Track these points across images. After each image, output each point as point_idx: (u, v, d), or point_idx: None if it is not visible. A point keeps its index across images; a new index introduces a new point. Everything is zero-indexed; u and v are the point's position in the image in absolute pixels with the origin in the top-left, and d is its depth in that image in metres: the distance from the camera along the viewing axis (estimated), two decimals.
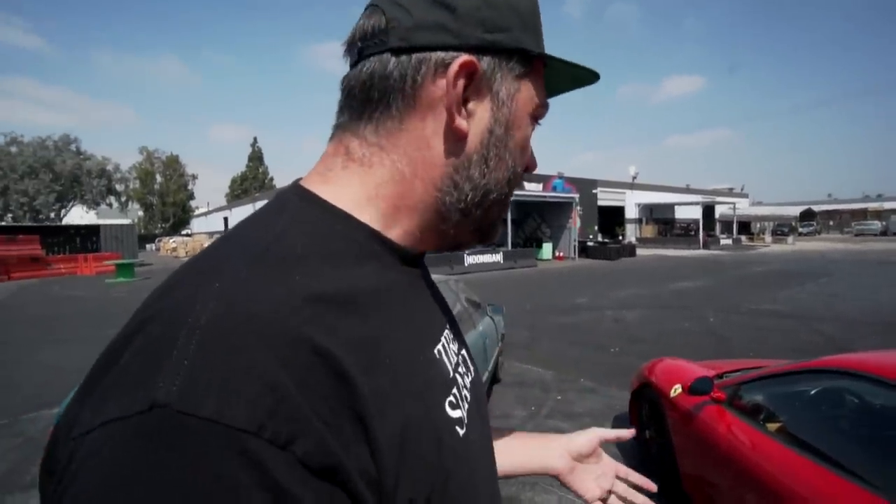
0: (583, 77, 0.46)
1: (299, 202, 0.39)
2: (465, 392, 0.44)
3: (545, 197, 21.20)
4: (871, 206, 52.04)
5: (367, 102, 0.40)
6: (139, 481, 0.23)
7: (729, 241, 29.36)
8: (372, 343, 0.32)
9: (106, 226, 24.93)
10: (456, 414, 0.39)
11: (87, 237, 23.72)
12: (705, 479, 2.32)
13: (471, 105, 0.40)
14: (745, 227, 35.91)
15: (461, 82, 0.38)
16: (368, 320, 0.33)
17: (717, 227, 34.32)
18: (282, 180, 59.95)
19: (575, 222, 21.73)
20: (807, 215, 43.40)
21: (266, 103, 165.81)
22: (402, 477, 0.30)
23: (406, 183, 0.40)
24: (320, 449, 0.26)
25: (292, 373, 0.26)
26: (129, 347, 0.27)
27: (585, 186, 25.10)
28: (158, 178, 58.84)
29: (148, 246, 43.41)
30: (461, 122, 0.39)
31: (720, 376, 2.62)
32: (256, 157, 62.37)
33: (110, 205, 45.11)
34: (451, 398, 0.40)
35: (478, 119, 0.40)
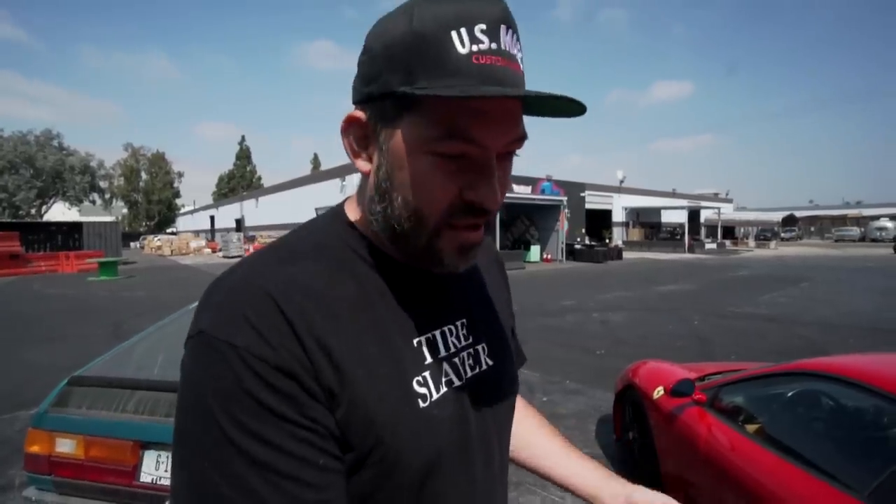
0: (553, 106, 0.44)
1: (332, 215, 0.55)
2: (449, 378, 0.51)
3: (533, 199, 21.32)
4: (851, 212, 53.29)
5: None
6: (196, 371, 0.42)
7: (713, 246, 29.83)
8: (330, 318, 0.45)
9: (89, 223, 24.42)
10: (421, 390, 0.48)
11: (69, 234, 23.23)
12: (686, 480, 2.35)
13: (370, 149, 0.48)
14: (729, 231, 36.51)
15: (352, 131, 0.48)
16: (333, 304, 0.46)
17: (703, 232, 34.85)
18: (269, 179, 59.32)
19: (563, 225, 21.88)
20: (789, 221, 44.30)
21: (254, 102, 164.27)
22: (334, 388, 0.43)
23: (364, 214, 0.51)
24: (283, 360, 0.41)
25: (263, 319, 0.42)
26: (202, 300, 0.46)
27: (573, 190, 25.31)
28: (143, 175, 57.93)
29: (132, 244, 42.65)
30: (360, 164, 0.49)
31: (702, 378, 2.66)
32: (244, 156, 61.75)
33: (93, 202, 44.26)
34: (420, 378, 0.48)
35: (373, 161, 0.47)
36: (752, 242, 34.64)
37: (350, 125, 0.47)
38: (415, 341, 0.50)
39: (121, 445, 1.83)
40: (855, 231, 41.60)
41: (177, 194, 60.64)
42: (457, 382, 0.52)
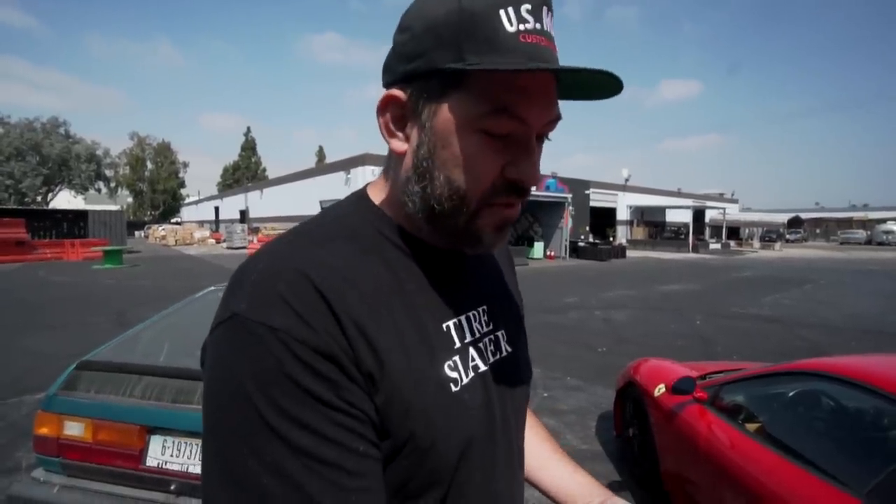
0: (585, 82, 0.45)
1: (356, 199, 0.54)
2: (475, 362, 0.52)
3: (538, 196, 21.27)
4: (857, 215, 52.93)
5: None
6: (230, 356, 0.41)
7: (718, 246, 29.70)
8: (365, 304, 0.44)
9: (94, 211, 24.54)
10: (453, 375, 0.48)
11: (75, 222, 23.36)
12: (685, 477, 2.37)
13: (407, 129, 0.47)
14: (734, 232, 36.37)
15: (389, 112, 0.47)
16: (367, 291, 0.45)
17: (707, 232, 34.71)
18: (274, 171, 59.42)
19: (567, 222, 21.83)
20: (794, 222, 44.06)
21: (260, 92, 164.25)
22: (378, 380, 0.42)
23: (395, 197, 0.51)
24: (325, 342, 0.40)
25: (302, 300, 0.41)
26: (230, 284, 0.45)
27: (578, 187, 25.22)
28: (149, 164, 58.09)
29: (137, 233, 42.85)
30: (395, 144, 0.48)
31: (703, 377, 2.67)
32: (249, 147, 61.79)
33: (99, 190, 44.43)
34: (451, 362, 0.49)
35: (411, 141, 0.47)
36: (756, 243, 34.48)
37: (388, 104, 0.47)
38: (444, 325, 0.50)
39: (128, 430, 1.86)
40: (861, 234, 41.36)
41: (182, 184, 60.80)
42: (482, 368, 0.52)
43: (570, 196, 21.95)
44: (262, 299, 0.41)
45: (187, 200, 60.16)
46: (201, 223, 42.45)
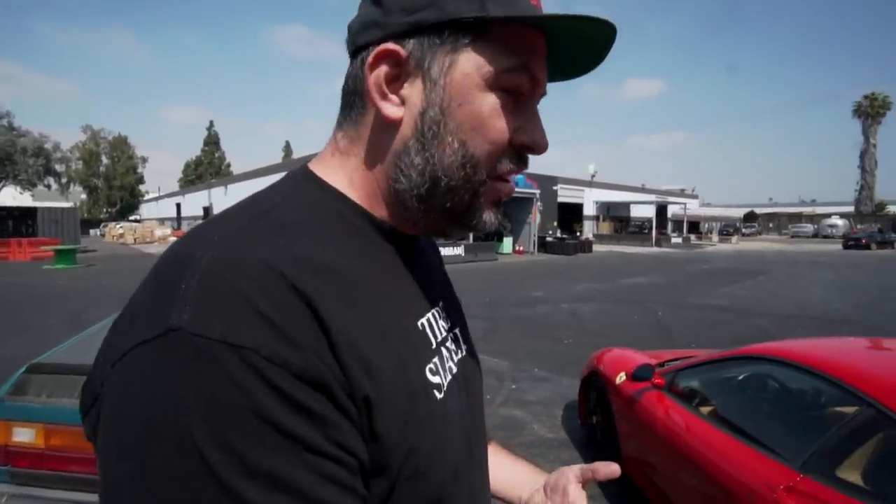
0: (590, 36, 0.41)
1: (302, 179, 0.44)
2: (449, 364, 0.46)
3: None
4: (806, 210, 56.08)
5: (344, 101, 0.44)
6: (165, 389, 0.29)
7: (679, 240, 30.85)
8: (346, 302, 0.36)
9: (43, 208, 23.18)
10: (435, 379, 0.42)
11: (21, 220, 22.06)
12: (645, 461, 2.48)
13: (404, 91, 0.40)
14: (694, 226, 37.83)
15: (381, 70, 0.40)
16: (344, 284, 0.37)
17: (669, 226, 35.97)
18: (239, 166, 57.75)
19: (535, 217, 22.18)
20: (750, 217, 46.25)
21: (224, 86, 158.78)
22: (370, 398, 0.34)
23: (369, 173, 0.43)
24: (308, 365, 0.31)
25: (278, 307, 0.31)
26: (150, 286, 0.34)
27: (546, 183, 25.64)
28: (104, 159, 55.31)
29: (92, 231, 40.80)
30: (389, 110, 0.40)
31: (661, 364, 2.79)
32: (212, 142, 59.77)
33: (48, 186, 41.97)
34: (432, 365, 0.43)
35: (410, 104, 0.40)
36: (715, 237, 36.02)
37: (381, 60, 0.40)
38: (419, 323, 0.44)
39: (84, 433, 1.80)
40: (809, 228, 43.80)
41: (140, 180, 58.25)
42: (455, 370, 0.47)
43: (538, 192, 22.30)
44: (218, 306, 0.30)
45: (147, 197, 57.67)
46: (162, 221, 40.80)
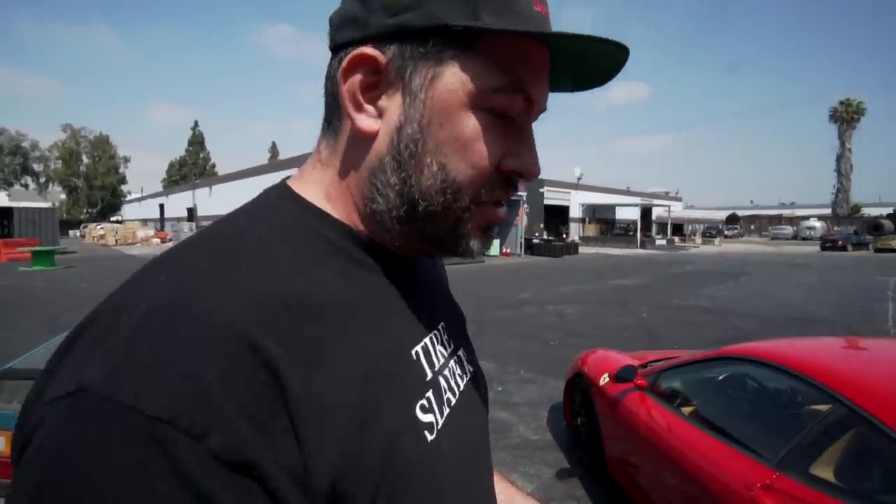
0: (596, 54, 0.37)
1: (277, 197, 0.40)
2: (447, 396, 0.41)
3: None
4: (786, 212, 57.46)
5: (326, 105, 0.40)
6: (62, 458, 0.25)
7: (664, 242, 31.31)
8: (318, 342, 0.31)
9: (21, 208, 22.60)
10: (427, 418, 0.37)
11: None
12: (628, 461, 2.51)
13: (381, 102, 0.37)
14: (678, 228, 38.40)
15: (356, 78, 0.36)
16: (321, 319, 0.32)
17: (654, 228, 36.47)
18: (224, 167, 57.00)
19: (522, 220, 22.31)
20: (732, 219, 47.12)
21: (210, 85, 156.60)
22: (339, 479, 0.29)
23: (344, 187, 0.39)
24: (237, 443, 0.25)
25: (217, 365, 0.26)
26: (81, 329, 0.29)
27: (533, 185, 25.81)
28: (85, 158, 54.16)
29: (71, 232, 39.86)
30: (363, 122, 0.36)
31: (644, 366, 2.83)
32: (197, 142, 58.94)
33: (26, 185, 40.97)
34: (424, 401, 0.38)
35: (388, 117, 0.37)
36: (698, 239, 36.61)
37: (356, 65, 0.36)
38: (412, 352, 0.39)
39: None
40: (788, 230, 44.81)
41: (122, 180, 57.15)
42: (453, 400, 0.42)
43: (524, 194, 22.45)
44: (141, 365, 0.26)
45: (129, 197, 56.60)
46: (145, 222, 40.07)
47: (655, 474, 2.23)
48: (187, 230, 26.00)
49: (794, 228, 44.26)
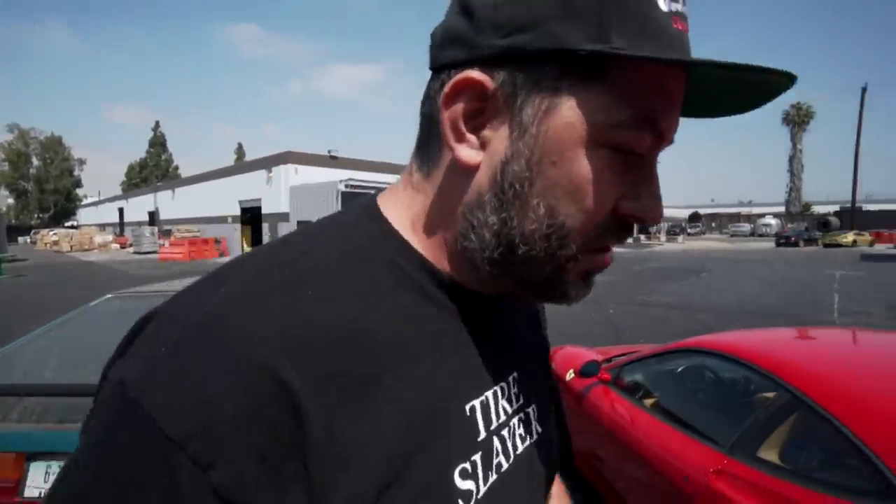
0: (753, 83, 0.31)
1: (363, 213, 0.38)
2: (499, 459, 0.37)
3: None
4: (744, 210, 60.22)
5: (421, 126, 0.37)
6: (92, 437, 0.28)
7: (630, 240, 32.18)
8: (359, 381, 0.29)
9: None
10: (465, 485, 0.33)
11: None
12: (594, 454, 2.57)
13: (485, 132, 0.33)
14: (643, 226, 39.63)
15: (459, 106, 0.32)
16: (368, 356, 0.30)
17: None
18: (188, 169, 55.19)
19: None
20: (694, 217, 48.98)
21: (172, 85, 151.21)
22: None
23: (434, 219, 0.36)
24: (237, 483, 0.25)
25: (238, 397, 0.25)
26: (144, 327, 0.30)
27: None
28: (35, 160, 51.40)
29: (21, 239, 37.77)
30: (464, 153, 0.33)
31: (609, 360, 2.91)
32: (159, 143, 56.88)
33: None
34: (467, 465, 0.34)
35: (491, 149, 0.33)
36: (663, 237, 37.87)
37: (460, 91, 0.32)
38: (467, 407, 0.35)
39: (1, 459, 1.66)
40: (746, 227, 46.92)
41: (77, 183, 54.56)
42: (505, 465, 0.37)
43: None
44: (173, 378, 0.26)
45: (86, 201, 54.02)
46: (103, 226, 38.34)
47: (619, 466, 2.30)
48: (149, 234, 25.02)
49: (752, 226, 46.36)
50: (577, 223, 0.32)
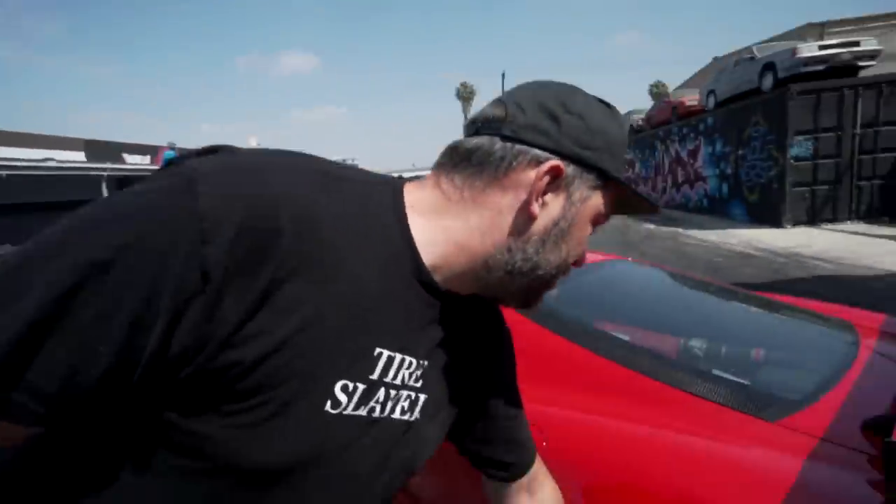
0: (640, 208, 0.55)
1: (390, 187, 0.49)
2: (375, 405, 0.45)
3: (154, 170, 15.51)
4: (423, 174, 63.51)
5: (465, 161, 0.49)
6: (148, 186, 0.37)
7: None
8: (317, 260, 0.39)
9: None
10: (340, 396, 0.41)
11: None
12: None
13: (547, 197, 0.48)
14: None
15: (546, 178, 0.47)
16: (330, 250, 0.40)
17: None
18: None
19: None
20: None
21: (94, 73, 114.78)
22: (250, 341, 0.36)
23: (469, 232, 0.48)
24: (214, 261, 0.34)
25: (250, 215, 0.36)
26: (222, 148, 0.42)
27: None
28: None
29: None
30: (535, 207, 0.47)
31: None
32: None
33: None
34: (351, 385, 0.42)
35: (549, 209, 0.48)
36: None
37: (550, 171, 0.47)
38: (378, 350, 0.44)
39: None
40: None
41: None
42: (377, 414, 0.45)
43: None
44: (225, 183, 0.37)
45: None
46: None
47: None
48: None
49: None
50: (571, 261, 0.53)
